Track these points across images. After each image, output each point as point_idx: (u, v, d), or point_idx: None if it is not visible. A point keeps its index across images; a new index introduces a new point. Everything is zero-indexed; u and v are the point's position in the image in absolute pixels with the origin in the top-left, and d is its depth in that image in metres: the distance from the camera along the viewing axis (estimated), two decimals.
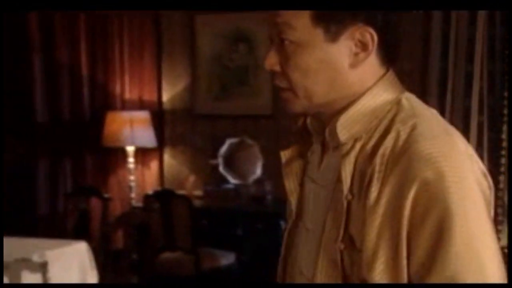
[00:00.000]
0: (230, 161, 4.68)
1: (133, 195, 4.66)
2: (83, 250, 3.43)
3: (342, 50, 1.12)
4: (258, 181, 4.56)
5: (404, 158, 1.04)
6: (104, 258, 4.09)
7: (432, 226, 1.02)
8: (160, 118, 4.87)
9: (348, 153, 1.12)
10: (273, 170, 4.19)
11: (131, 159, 4.65)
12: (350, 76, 1.13)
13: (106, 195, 4.32)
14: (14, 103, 4.35)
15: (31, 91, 4.41)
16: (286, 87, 1.15)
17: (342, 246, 1.10)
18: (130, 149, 4.63)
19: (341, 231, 1.10)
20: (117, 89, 4.86)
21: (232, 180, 4.65)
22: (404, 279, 1.03)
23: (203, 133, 4.82)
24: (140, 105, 4.86)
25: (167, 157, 4.90)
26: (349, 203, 1.10)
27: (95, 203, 4.36)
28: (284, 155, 1.26)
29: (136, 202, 4.61)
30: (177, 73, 4.89)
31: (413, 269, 1.03)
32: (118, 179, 4.81)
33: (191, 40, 4.80)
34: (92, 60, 4.69)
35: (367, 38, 1.11)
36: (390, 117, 1.11)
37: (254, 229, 4.30)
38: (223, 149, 4.66)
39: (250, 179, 4.62)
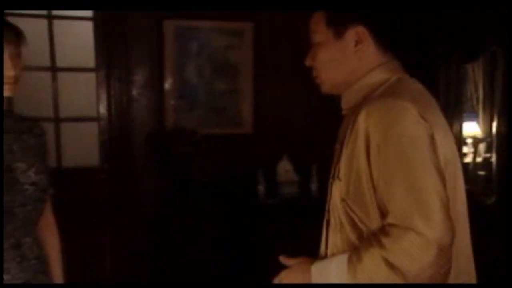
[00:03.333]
0: None
1: None
2: None
3: (346, 44, 1.57)
4: None
5: (362, 112, 1.44)
6: None
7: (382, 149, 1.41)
8: None
9: (346, 117, 1.60)
10: None
11: None
12: (353, 63, 1.58)
13: None
14: None
15: None
16: (316, 75, 1.64)
17: (331, 181, 1.58)
18: None
19: (333, 170, 1.57)
20: None
21: None
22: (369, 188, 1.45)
23: None
24: None
25: None
26: (340, 151, 1.54)
27: None
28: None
29: None
30: None
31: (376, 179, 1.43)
32: None
33: None
34: None
35: (361, 34, 1.56)
36: (378, 91, 1.53)
37: None
38: None
39: None
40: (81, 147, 4.30)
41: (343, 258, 1.44)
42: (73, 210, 3.56)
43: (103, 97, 4.15)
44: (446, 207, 1.34)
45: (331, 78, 1.61)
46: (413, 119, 1.39)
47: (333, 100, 1.70)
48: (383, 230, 1.38)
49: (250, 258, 4.00)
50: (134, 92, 4.21)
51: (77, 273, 2.20)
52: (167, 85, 4.23)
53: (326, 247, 1.59)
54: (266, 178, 4.22)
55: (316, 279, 1.50)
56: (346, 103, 1.62)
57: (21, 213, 1.87)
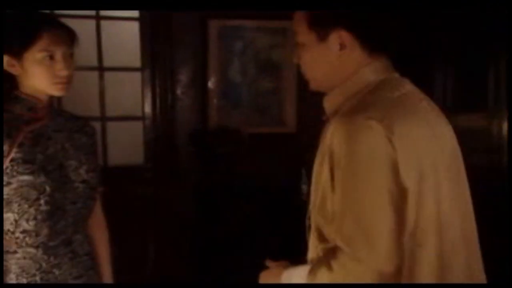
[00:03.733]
0: None
1: None
2: None
3: (330, 47, 1.51)
4: None
5: (330, 127, 1.45)
6: None
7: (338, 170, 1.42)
8: None
9: (327, 123, 1.53)
10: None
11: None
12: (337, 65, 1.52)
13: None
14: None
15: None
16: (303, 73, 1.61)
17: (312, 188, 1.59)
18: None
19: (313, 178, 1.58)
20: None
21: None
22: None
23: None
24: None
25: None
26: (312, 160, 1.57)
27: None
28: None
29: None
30: None
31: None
32: None
33: None
34: None
35: (344, 38, 1.50)
36: (355, 99, 1.50)
37: None
38: None
39: None
40: (126, 146, 4.36)
41: (305, 270, 1.50)
42: (118, 208, 3.61)
43: (148, 96, 4.20)
44: (393, 236, 1.35)
45: (315, 78, 1.59)
46: (375, 139, 1.37)
47: None
48: (334, 252, 1.41)
49: (291, 258, 3.99)
50: (179, 92, 4.25)
51: (121, 271, 2.24)
52: (211, 84, 4.26)
53: (307, 252, 1.66)
54: (309, 177, 4.20)
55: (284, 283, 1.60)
56: (327, 108, 1.59)
57: (72, 210, 1.91)
